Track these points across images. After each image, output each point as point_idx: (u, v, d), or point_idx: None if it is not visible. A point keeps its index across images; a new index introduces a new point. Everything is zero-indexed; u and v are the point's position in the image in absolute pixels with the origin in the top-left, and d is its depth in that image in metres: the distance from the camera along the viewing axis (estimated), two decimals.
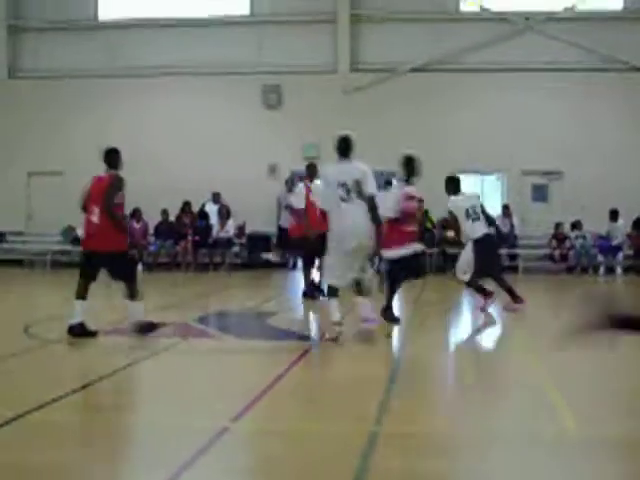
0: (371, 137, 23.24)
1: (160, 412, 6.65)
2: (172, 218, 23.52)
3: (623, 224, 22.41)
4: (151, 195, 23.51)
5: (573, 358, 9.35)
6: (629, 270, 22.18)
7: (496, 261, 13.38)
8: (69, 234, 23.87)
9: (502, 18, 23.75)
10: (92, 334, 10.07)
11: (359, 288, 10.08)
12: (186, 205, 23.40)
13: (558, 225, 22.69)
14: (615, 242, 22.30)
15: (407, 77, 23.77)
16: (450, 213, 13.05)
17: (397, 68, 23.79)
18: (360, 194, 9.88)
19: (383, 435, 5.91)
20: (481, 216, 12.93)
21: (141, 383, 7.86)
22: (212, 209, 23.17)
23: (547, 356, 9.23)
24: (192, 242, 22.91)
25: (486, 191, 24.26)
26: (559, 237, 22.65)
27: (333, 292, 10.13)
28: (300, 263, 22.95)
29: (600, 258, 22.45)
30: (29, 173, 24.87)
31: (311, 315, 13.57)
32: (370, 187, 9.98)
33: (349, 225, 9.79)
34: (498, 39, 23.70)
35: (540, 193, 23.76)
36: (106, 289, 12.17)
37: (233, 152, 23.88)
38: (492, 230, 13.26)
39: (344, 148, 10.31)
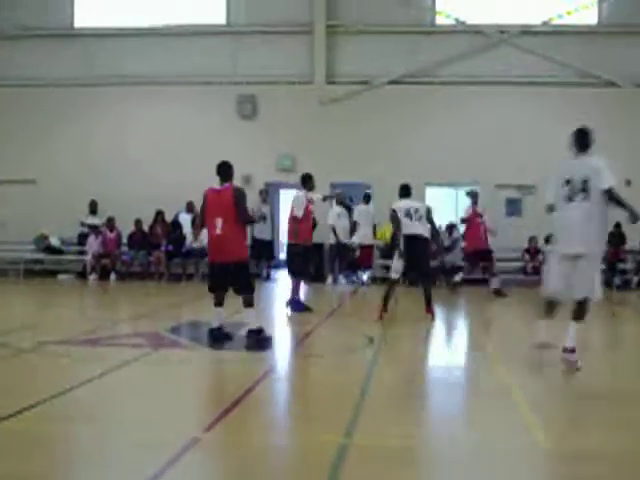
0: (346, 149, 23.34)
1: (130, 423, 6.62)
2: (146, 228, 23.40)
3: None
4: (126, 204, 23.44)
5: (543, 368, 9.46)
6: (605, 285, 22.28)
7: (420, 263, 13.51)
8: (42, 242, 23.77)
9: (477, 31, 23.84)
10: (228, 337, 10.84)
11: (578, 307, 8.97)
12: (159, 214, 23.29)
13: (531, 239, 22.78)
14: None
15: (383, 89, 23.82)
16: (392, 211, 13.54)
17: (373, 80, 23.83)
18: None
19: (353, 447, 5.91)
20: (422, 220, 13.43)
21: (111, 393, 7.80)
22: (186, 219, 23.06)
23: (517, 368, 9.28)
24: (165, 252, 22.82)
25: (460, 204, 24.38)
26: (532, 250, 22.76)
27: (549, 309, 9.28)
28: (274, 274, 23.02)
29: None
30: (1, 181, 24.68)
31: (283, 325, 13.54)
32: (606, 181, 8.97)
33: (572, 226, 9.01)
34: (473, 52, 23.79)
35: (514, 207, 23.86)
36: (78, 300, 12.11)
37: (207, 162, 23.52)
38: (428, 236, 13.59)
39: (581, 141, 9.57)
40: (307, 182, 14.69)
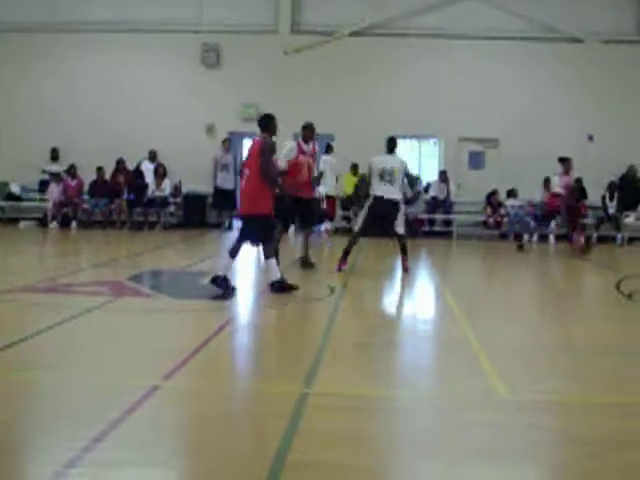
0: (311, 99, 23.19)
1: (90, 370, 6.60)
2: (108, 177, 23.18)
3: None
4: (87, 152, 23.23)
5: (501, 321, 9.58)
6: (562, 238, 22.47)
7: (386, 225, 13.57)
8: (2, 189, 23.51)
9: None
10: (293, 288, 10.84)
11: None
12: (120, 163, 23.07)
13: (493, 192, 22.90)
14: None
15: (347, 40, 23.64)
16: (368, 169, 13.54)
17: (337, 31, 23.66)
18: None
19: (313, 396, 5.94)
20: (395, 183, 13.29)
21: (72, 341, 7.77)
22: (148, 167, 22.90)
23: (479, 321, 9.38)
24: (127, 200, 22.66)
25: (423, 156, 24.43)
26: (493, 204, 22.88)
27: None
28: (236, 224, 22.95)
29: (533, 225, 22.69)
30: None
31: (248, 275, 13.53)
32: None
33: None
34: (440, 4, 23.68)
35: (476, 160, 23.93)
36: (38, 247, 12.00)
37: (171, 111, 23.62)
38: (400, 194, 13.56)
39: None
40: (307, 132, 13.57)
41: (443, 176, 22.99)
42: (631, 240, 22.24)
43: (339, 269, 13.20)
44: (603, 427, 5.53)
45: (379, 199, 13.22)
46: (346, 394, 6.10)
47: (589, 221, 22.60)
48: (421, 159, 24.40)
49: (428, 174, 23.81)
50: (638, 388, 6.71)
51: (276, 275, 10.82)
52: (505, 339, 8.50)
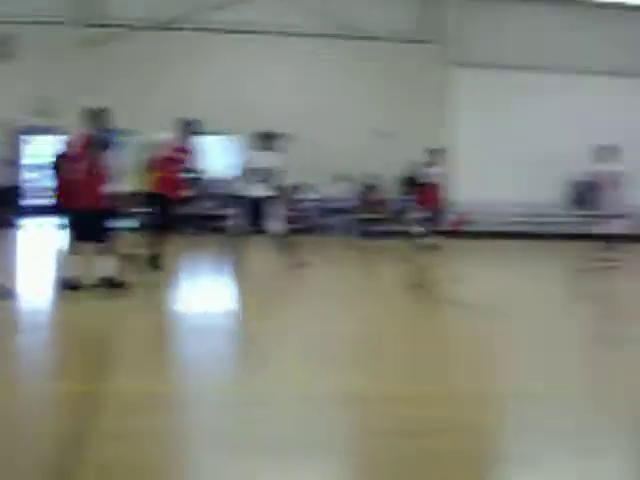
0: (110, 95, 22.71)
1: None
2: None
3: (349, 189, 23.30)
4: None
5: (295, 318, 9.78)
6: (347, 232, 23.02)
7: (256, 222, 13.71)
8: None
9: None
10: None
11: None
12: None
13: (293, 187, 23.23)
14: (340, 205, 23.15)
15: (146, 34, 23.37)
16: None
17: (135, 24, 23.36)
18: None
19: (105, 395, 5.94)
20: (265, 181, 13.52)
21: None
22: None
23: (274, 317, 9.55)
24: None
25: (224, 152, 24.42)
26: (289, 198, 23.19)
27: None
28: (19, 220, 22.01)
29: (327, 221, 23.14)
30: None
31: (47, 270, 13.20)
32: None
33: None
34: (236, 1, 23.76)
35: None
36: None
37: None
38: None
39: None
40: (190, 128, 13.55)
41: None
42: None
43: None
44: (394, 417, 5.79)
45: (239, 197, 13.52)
46: (139, 391, 6.13)
47: (381, 216, 23.30)
48: (221, 155, 24.39)
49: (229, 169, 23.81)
50: (429, 378, 7.08)
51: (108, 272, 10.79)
52: (300, 334, 8.71)
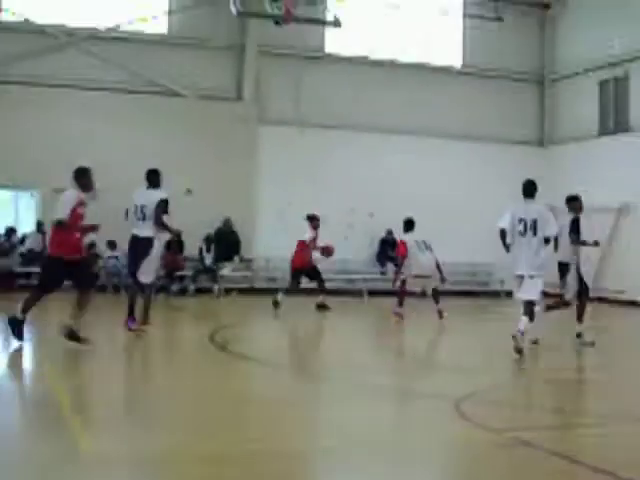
0: None
1: None
2: None
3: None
4: None
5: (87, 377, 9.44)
6: (159, 290, 22.67)
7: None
8: None
9: (44, 31, 23.15)
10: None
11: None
12: None
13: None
14: None
15: None
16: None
17: None
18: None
19: None
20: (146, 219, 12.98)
21: None
22: None
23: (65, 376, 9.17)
24: None
25: (20, 207, 23.61)
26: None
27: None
28: None
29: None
30: None
31: None
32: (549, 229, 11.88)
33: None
34: (41, 52, 23.08)
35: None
36: None
37: None
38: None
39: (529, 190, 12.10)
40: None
41: (41, 227, 22.28)
42: (227, 290, 22.95)
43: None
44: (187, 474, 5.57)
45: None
46: None
47: (187, 273, 23.09)
48: (18, 210, 23.59)
49: (26, 226, 22.99)
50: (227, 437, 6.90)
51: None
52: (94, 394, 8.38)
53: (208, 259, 23.17)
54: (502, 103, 27.57)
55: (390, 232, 24.65)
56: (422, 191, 25.46)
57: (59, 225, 10.97)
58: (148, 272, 12.86)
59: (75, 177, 11.44)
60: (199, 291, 22.65)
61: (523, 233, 11.83)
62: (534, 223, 11.77)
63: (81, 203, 11.24)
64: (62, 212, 10.99)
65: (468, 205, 25.69)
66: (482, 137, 26.97)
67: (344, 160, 25.16)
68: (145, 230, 12.84)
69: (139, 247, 12.88)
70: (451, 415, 7.67)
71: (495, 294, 25.09)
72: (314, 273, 18.77)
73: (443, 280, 17.26)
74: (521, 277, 11.94)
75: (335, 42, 25.90)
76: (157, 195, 12.99)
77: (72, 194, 11.23)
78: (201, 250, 23.15)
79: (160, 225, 12.81)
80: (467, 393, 8.78)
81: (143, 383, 9.30)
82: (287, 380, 9.94)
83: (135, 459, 5.99)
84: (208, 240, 23.21)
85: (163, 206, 12.86)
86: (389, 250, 24.47)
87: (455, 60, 27.46)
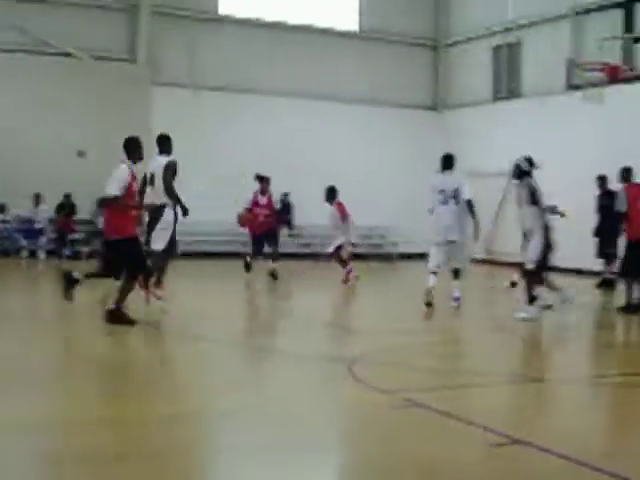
0: None
1: None
2: None
3: (47, 209, 22.50)
4: None
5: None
6: (51, 254, 22.28)
7: None
8: None
9: None
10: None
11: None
12: None
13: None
14: (38, 226, 22.34)
15: None
16: None
17: None
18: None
19: None
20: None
21: None
22: None
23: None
24: None
25: None
26: None
27: None
28: None
29: (23, 242, 22.29)
30: None
31: None
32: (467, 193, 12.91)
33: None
34: None
35: None
36: None
37: None
38: None
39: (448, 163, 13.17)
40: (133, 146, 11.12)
41: None
42: None
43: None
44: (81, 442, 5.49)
45: None
46: None
47: (78, 236, 22.70)
48: None
49: None
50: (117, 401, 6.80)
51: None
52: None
53: (100, 222, 22.73)
54: (398, 68, 27.75)
55: (285, 194, 24.61)
56: (320, 154, 25.50)
57: (114, 202, 10.43)
58: (158, 239, 12.29)
59: (125, 147, 10.86)
60: (92, 255, 22.27)
61: (445, 202, 12.83)
62: (455, 192, 12.82)
63: (134, 178, 10.80)
64: (116, 188, 10.46)
65: (365, 167, 25.85)
66: (379, 101, 27.11)
67: (240, 123, 24.96)
68: (154, 197, 12.30)
69: (150, 214, 12.39)
70: (344, 377, 7.72)
71: (388, 257, 25.35)
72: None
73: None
74: (441, 243, 12.92)
75: (230, 4, 25.61)
76: (163, 161, 12.53)
77: (125, 169, 10.66)
78: (94, 213, 22.72)
79: (169, 190, 12.31)
80: (360, 354, 8.85)
81: (30, 350, 9.09)
82: (183, 345, 9.84)
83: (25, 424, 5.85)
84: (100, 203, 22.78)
85: (171, 170, 12.37)
86: (285, 213, 24.47)
87: (352, 24, 27.46)
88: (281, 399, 6.99)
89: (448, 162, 13.23)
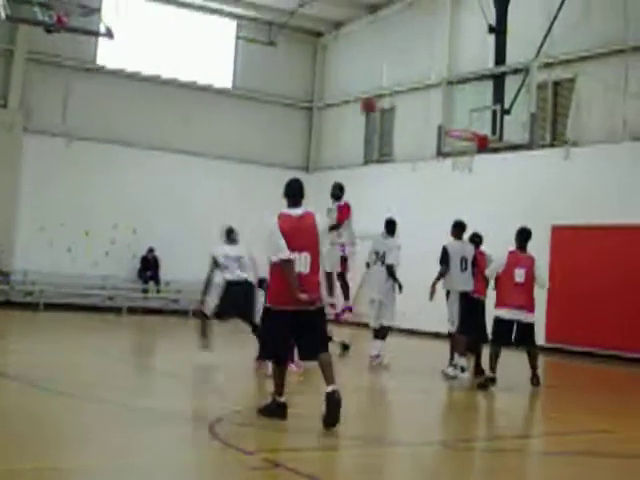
0: None
1: None
2: None
3: None
4: None
5: None
6: None
7: None
8: None
9: None
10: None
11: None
12: None
13: None
14: None
15: None
16: None
17: None
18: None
19: None
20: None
21: None
22: None
23: None
24: None
25: None
26: None
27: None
28: None
29: None
30: None
31: None
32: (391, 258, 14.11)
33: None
34: None
35: None
36: None
37: None
38: None
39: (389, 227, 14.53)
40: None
41: None
42: None
43: None
44: None
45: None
46: None
47: None
48: None
49: None
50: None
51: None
52: None
53: None
54: (272, 127, 27.98)
55: (151, 250, 24.43)
56: (191, 210, 25.40)
57: None
58: None
59: None
60: None
61: (375, 262, 14.19)
62: (383, 255, 14.10)
63: None
64: None
65: (237, 225, 25.79)
66: (252, 160, 27.24)
67: (111, 175, 24.69)
68: None
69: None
70: (205, 437, 7.61)
71: None
72: None
73: None
74: (373, 301, 14.24)
75: (108, 55, 25.44)
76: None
77: None
78: None
79: None
80: (223, 414, 8.75)
81: None
82: (40, 397, 9.53)
83: None
84: None
85: None
86: (151, 268, 24.29)
87: (226, 81, 27.62)
88: (144, 459, 6.82)
89: (389, 227, 14.57)
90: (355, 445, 8.00)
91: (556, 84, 21.13)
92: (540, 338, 19.82)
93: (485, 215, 20.12)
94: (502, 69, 20.32)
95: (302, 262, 8.49)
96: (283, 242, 8.46)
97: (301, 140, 28.94)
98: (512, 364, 13.58)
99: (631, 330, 18.10)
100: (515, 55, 20.34)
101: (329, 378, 8.25)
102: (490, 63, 21.19)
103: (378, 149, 26.50)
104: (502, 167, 21.15)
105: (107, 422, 8.29)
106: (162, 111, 25.94)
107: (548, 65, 20.39)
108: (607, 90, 19.72)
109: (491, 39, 20.99)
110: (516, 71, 20.06)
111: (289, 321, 8.40)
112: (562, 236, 19.87)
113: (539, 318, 19.70)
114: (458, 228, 13.82)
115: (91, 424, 8.24)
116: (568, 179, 20.06)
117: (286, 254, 8.39)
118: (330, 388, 8.17)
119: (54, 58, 24.49)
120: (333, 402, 8.08)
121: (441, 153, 20.22)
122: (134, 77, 25.79)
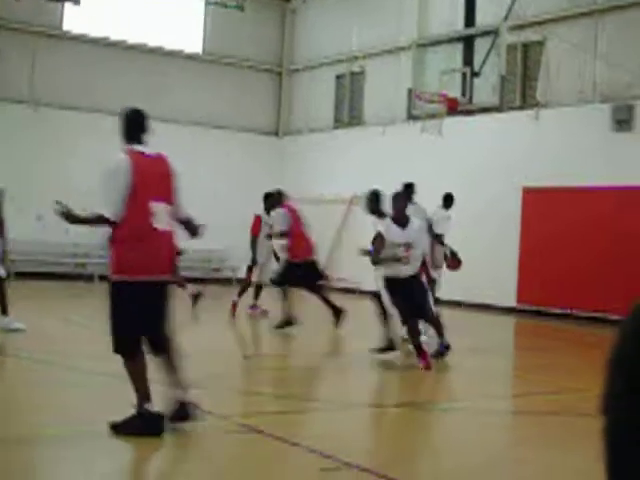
0: None
1: None
2: None
3: None
4: None
5: None
6: None
7: None
8: None
9: None
10: None
11: None
12: None
13: None
14: None
15: None
16: None
17: None
18: None
19: None
20: None
21: None
22: None
23: None
24: None
25: None
26: None
27: None
28: None
29: None
30: None
31: None
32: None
33: None
34: None
35: None
36: None
37: None
38: None
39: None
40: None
41: None
42: None
43: None
44: None
45: None
46: None
47: None
48: None
49: None
50: None
51: None
52: None
53: None
54: (242, 92, 27.75)
55: None
56: None
57: None
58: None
59: None
60: None
61: None
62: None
63: None
64: None
65: (204, 191, 25.59)
66: (222, 125, 27.05)
67: (80, 142, 24.43)
68: None
69: None
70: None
71: (227, 281, 25.21)
72: None
73: None
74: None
75: (74, 20, 25.11)
76: None
77: None
78: None
79: None
80: (196, 379, 8.74)
81: None
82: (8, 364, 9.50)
83: None
84: None
85: None
86: None
87: (195, 46, 27.38)
88: (104, 424, 6.79)
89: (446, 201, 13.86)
90: (327, 408, 8.03)
91: (525, 46, 21.08)
92: (512, 300, 20.12)
93: (456, 177, 20.17)
94: (471, 31, 20.32)
95: (160, 215, 6.71)
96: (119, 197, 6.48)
97: (271, 105, 28.77)
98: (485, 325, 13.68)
99: (608, 291, 18.08)
100: (485, 17, 20.31)
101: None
102: (460, 25, 21.13)
103: (348, 113, 26.41)
104: (472, 129, 21.15)
105: (73, 388, 8.26)
106: (131, 77, 25.66)
107: (518, 27, 20.31)
108: (577, 52, 19.71)
109: (461, 0, 20.94)
110: (486, 33, 20.09)
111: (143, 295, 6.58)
112: (533, 198, 19.94)
113: (510, 280, 20.07)
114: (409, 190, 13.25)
115: (58, 390, 8.21)
116: (538, 141, 20.08)
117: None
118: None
119: (19, 24, 24.12)
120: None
121: (411, 116, 20.23)
122: (101, 42, 25.48)
